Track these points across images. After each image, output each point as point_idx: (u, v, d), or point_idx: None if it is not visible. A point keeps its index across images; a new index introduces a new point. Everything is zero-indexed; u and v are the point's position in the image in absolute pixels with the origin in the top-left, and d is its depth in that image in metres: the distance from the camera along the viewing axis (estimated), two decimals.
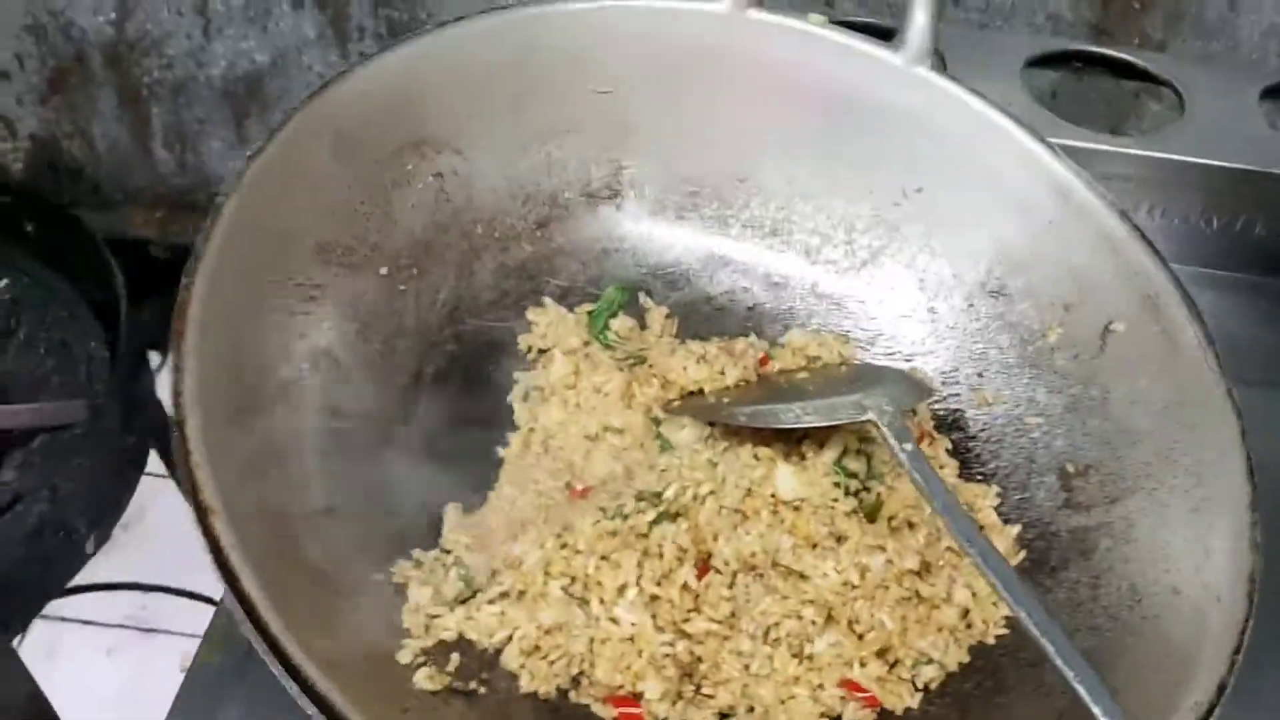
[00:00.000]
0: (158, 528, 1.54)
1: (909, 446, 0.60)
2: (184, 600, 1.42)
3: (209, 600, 1.36)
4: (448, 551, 0.61)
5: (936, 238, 0.75)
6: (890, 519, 0.65)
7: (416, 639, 0.56)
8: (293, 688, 0.46)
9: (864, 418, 0.62)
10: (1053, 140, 0.72)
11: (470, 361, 0.70)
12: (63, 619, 1.47)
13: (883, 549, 0.63)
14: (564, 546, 0.60)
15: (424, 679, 0.54)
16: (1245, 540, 0.58)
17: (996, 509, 0.68)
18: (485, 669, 0.57)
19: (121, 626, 1.54)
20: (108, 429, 0.85)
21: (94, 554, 0.87)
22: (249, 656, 0.62)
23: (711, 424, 0.66)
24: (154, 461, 0.91)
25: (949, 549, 0.65)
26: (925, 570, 0.64)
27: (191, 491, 0.49)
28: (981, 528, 0.65)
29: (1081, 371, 0.70)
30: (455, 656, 0.56)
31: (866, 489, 0.66)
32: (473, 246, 0.72)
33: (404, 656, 0.55)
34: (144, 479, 0.88)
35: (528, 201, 0.74)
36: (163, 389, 0.99)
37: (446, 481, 0.65)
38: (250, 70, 1.42)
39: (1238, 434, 0.62)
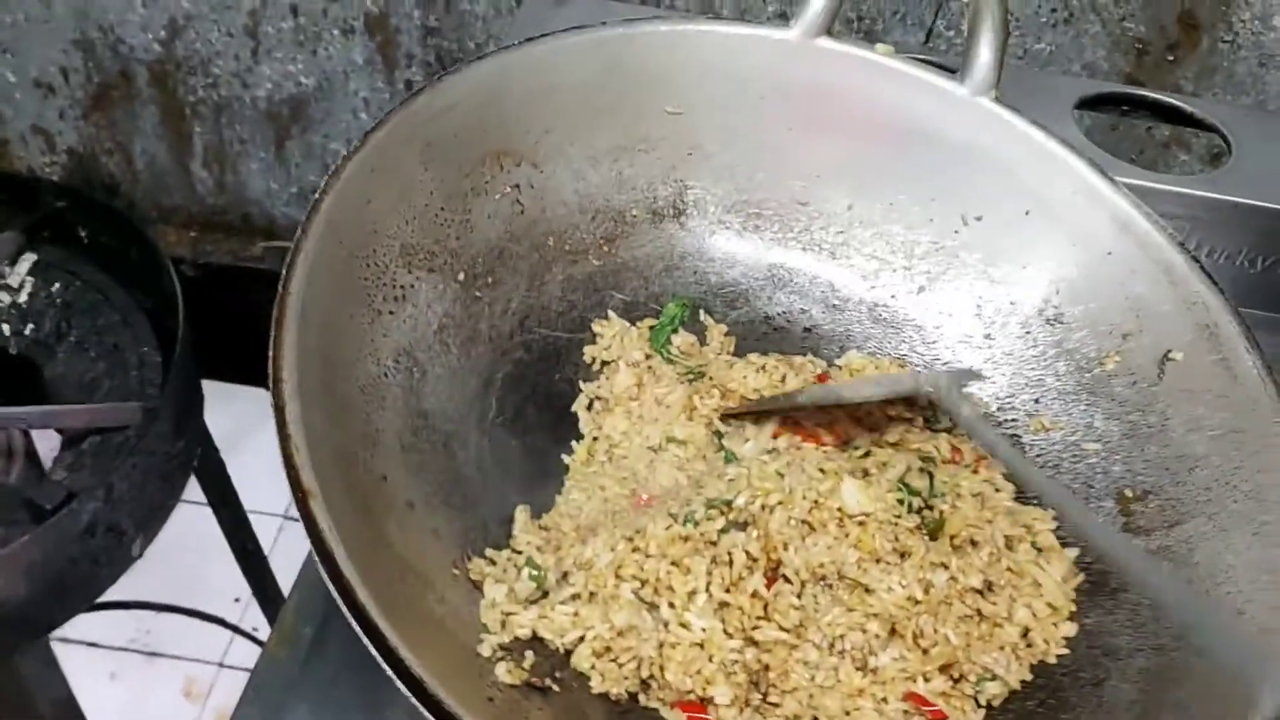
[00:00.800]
0: (166, 550, 1.55)
1: (968, 411, 0.61)
2: (189, 625, 1.40)
3: (219, 621, 1.36)
4: (519, 552, 0.62)
5: (995, 266, 0.77)
6: (953, 537, 0.66)
7: (494, 634, 0.57)
8: (387, 668, 0.46)
9: (924, 389, 0.63)
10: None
11: (538, 369, 0.71)
12: (65, 640, 1.45)
13: (945, 566, 0.63)
14: (635, 550, 0.61)
15: (504, 672, 0.55)
16: None
17: (1054, 532, 0.69)
18: (559, 668, 0.58)
19: (125, 650, 1.53)
20: (160, 432, 0.85)
21: (139, 556, 0.87)
22: (314, 653, 0.63)
23: (770, 421, 0.68)
24: None
25: (1009, 569, 0.65)
26: (987, 589, 0.64)
27: (290, 474, 0.50)
28: (1040, 550, 0.67)
29: (1140, 398, 0.71)
30: (530, 654, 0.57)
31: (929, 507, 0.67)
32: (543, 258, 0.73)
33: (485, 650, 0.55)
34: None
35: (596, 216, 0.76)
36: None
37: (514, 485, 0.66)
38: (295, 93, 1.44)
39: None
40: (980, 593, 0.64)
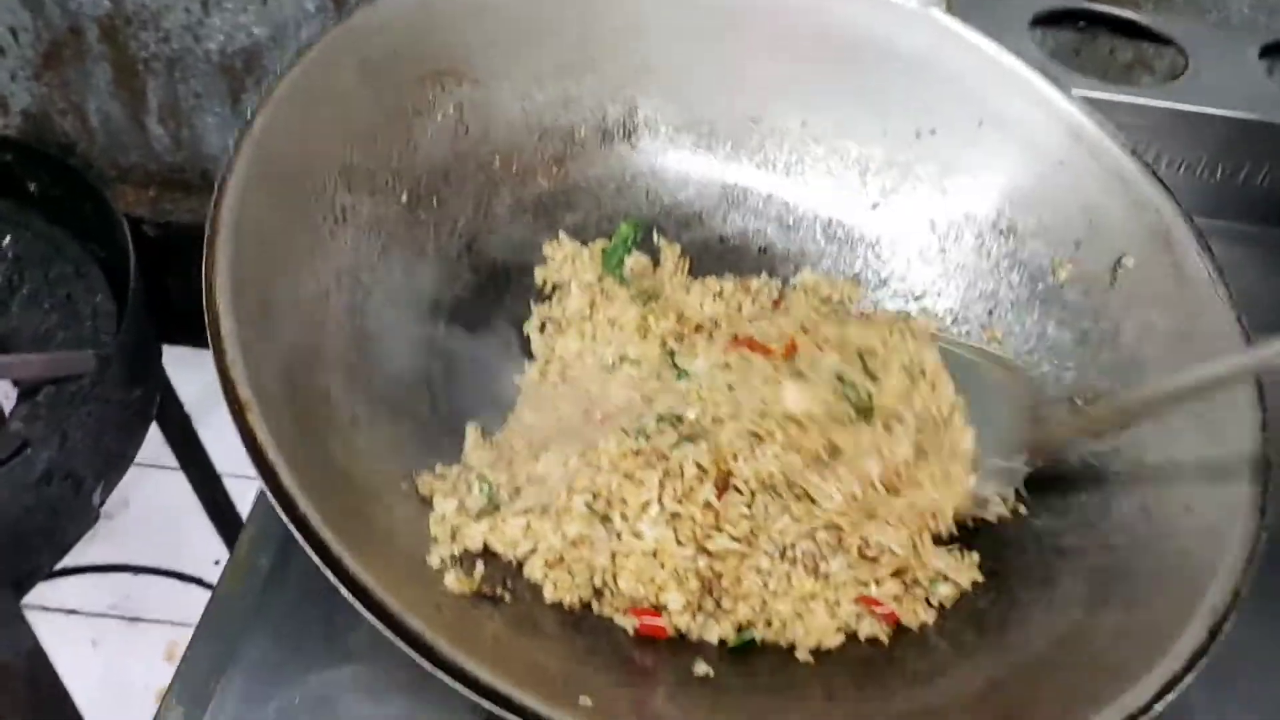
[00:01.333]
0: (144, 514, 1.55)
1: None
2: (170, 589, 1.41)
3: (198, 582, 1.35)
4: (470, 468, 0.61)
5: (949, 178, 0.76)
6: (883, 417, 0.65)
7: (443, 545, 0.57)
8: (331, 576, 0.46)
9: None
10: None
11: (487, 292, 0.71)
12: (44, 608, 1.46)
13: (878, 451, 0.63)
14: (588, 465, 0.61)
15: (452, 582, 0.54)
16: (1256, 458, 0.59)
17: None
18: (510, 578, 0.57)
19: (105, 616, 1.52)
20: (115, 380, 0.84)
21: (100, 505, 0.86)
22: (272, 583, 0.63)
23: (720, 338, 0.68)
24: (143, 450, 0.91)
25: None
26: (921, 456, 0.64)
27: (226, 387, 0.49)
28: None
29: (1092, 306, 0.71)
30: (480, 564, 0.57)
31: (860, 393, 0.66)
32: (490, 179, 0.72)
33: (433, 560, 0.55)
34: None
35: (544, 137, 0.75)
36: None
37: (464, 406, 0.65)
38: (248, 44, 1.42)
39: None
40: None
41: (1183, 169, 0.90)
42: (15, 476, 0.77)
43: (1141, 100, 0.88)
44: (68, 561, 0.97)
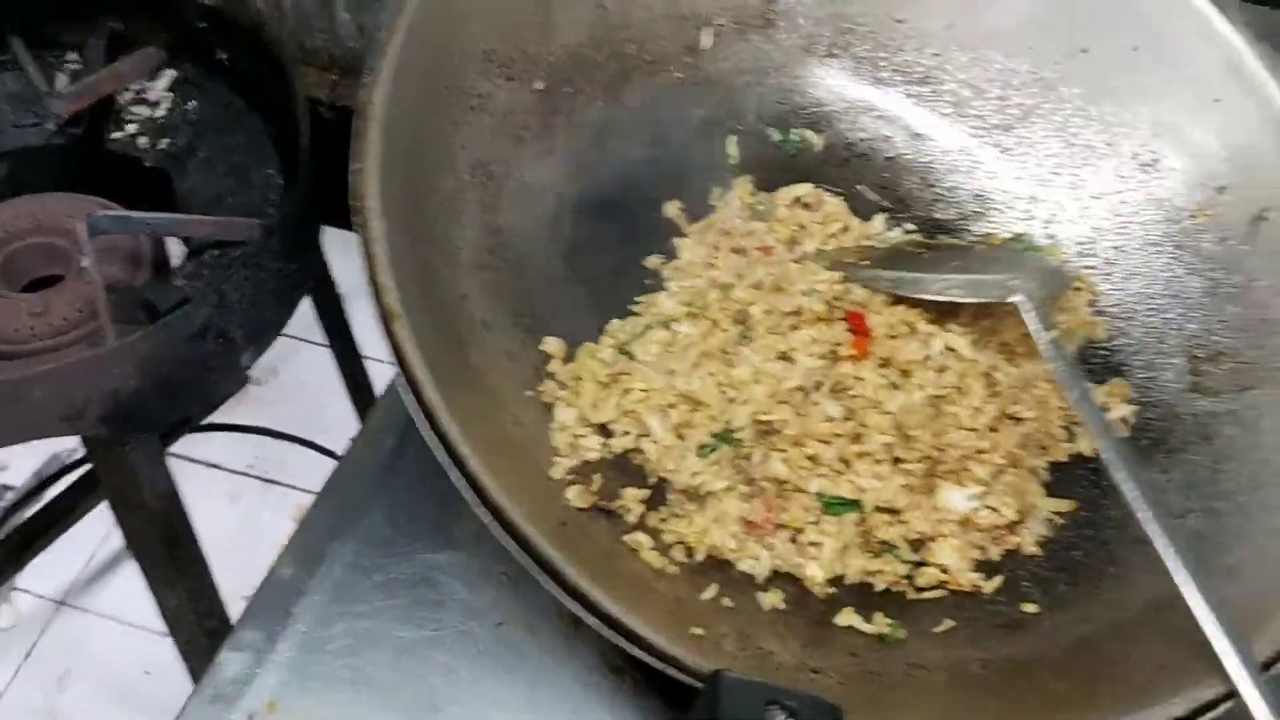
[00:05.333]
0: (290, 384, 1.65)
1: (1054, 334, 0.60)
2: (304, 456, 1.46)
3: (330, 454, 1.40)
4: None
5: (1094, 103, 0.73)
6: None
7: (565, 457, 0.58)
8: (471, 497, 0.48)
9: (1011, 298, 0.62)
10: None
11: (611, 186, 0.69)
12: (190, 459, 1.54)
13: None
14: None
15: (575, 496, 0.56)
16: None
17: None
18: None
19: (244, 474, 1.62)
20: (276, 250, 0.86)
21: (248, 367, 0.89)
22: (394, 461, 0.65)
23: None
24: (293, 323, 0.93)
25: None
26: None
27: (375, 297, 0.50)
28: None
29: (1227, 256, 0.69)
30: (597, 477, 0.58)
31: None
32: (623, 68, 0.70)
33: (556, 473, 0.57)
34: (280, 339, 0.90)
35: (681, 23, 0.72)
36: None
37: (586, 307, 0.65)
38: None
39: None
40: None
41: None
42: (174, 329, 0.79)
43: None
44: (215, 418, 1.01)
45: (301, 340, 1.39)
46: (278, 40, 0.92)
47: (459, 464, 0.48)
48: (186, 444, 1.40)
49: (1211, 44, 0.70)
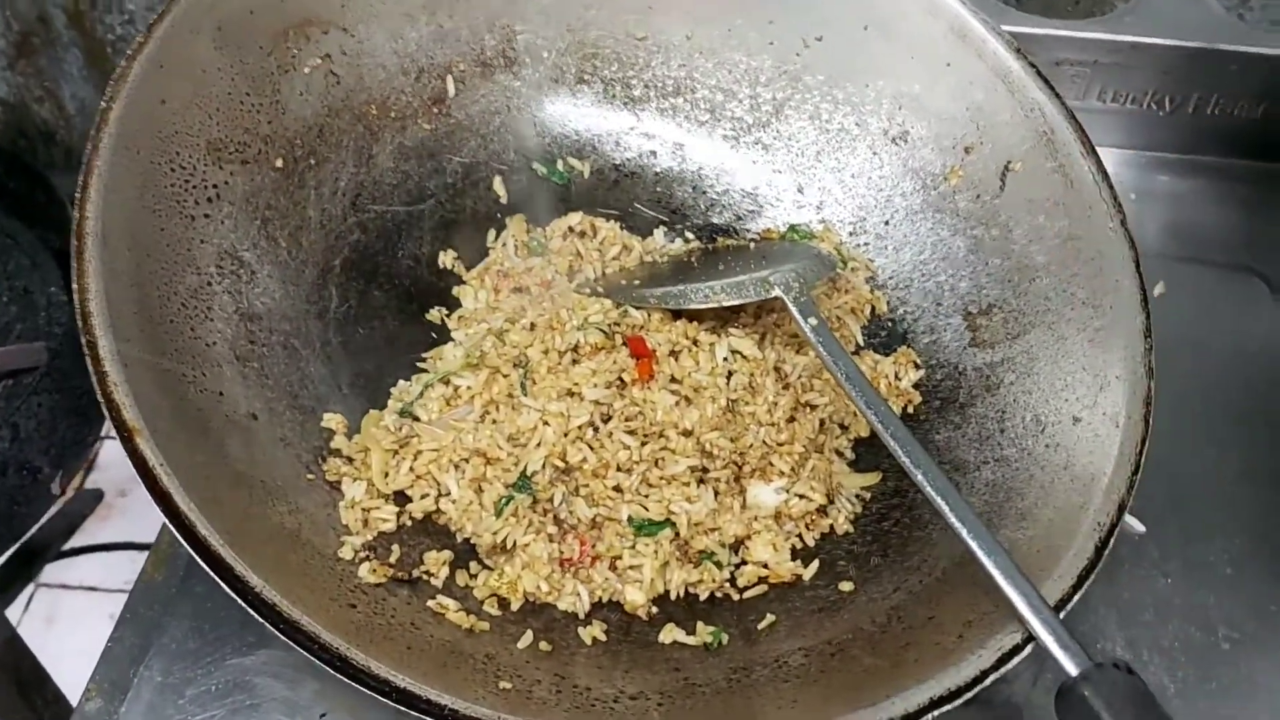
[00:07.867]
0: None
1: (814, 321, 0.62)
2: None
3: None
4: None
5: (838, 86, 0.75)
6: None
7: (356, 535, 0.57)
8: (241, 602, 0.47)
9: (771, 294, 0.63)
10: (1005, 27, 0.71)
11: (379, 248, 0.69)
12: (65, 586, 1.49)
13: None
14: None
15: (368, 573, 0.55)
16: (1141, 366, 0.61)
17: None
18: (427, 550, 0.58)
19: (123, 591, 1.55)
20: (67, 370, 0.84)
21: (61, 495, 0.86)
22: (192, 571, 0.63)
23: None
24: None
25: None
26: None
27: (112, 413, 0.48)
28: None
29: (983, 212, 0.71)
30: (395, 548, 0.58)
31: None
32: (369, 129, 0.70)
33: (346, 553, 0.56)
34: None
35: (421, 76, 0.72)
36: None
37: (375, 370, 0.65)
38: None
39: (1132, 264, 0.64)
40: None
41: (1129, 101, 0.88)
42: None
43: (1087, 34, 0.85)
44: (77, 541, 0.97)
45: None
46: (67, 150, 0.90)
47: (219, 569, 0.47)
48: (58, 570, 1.35)
49: (935, 13, 0.72)
